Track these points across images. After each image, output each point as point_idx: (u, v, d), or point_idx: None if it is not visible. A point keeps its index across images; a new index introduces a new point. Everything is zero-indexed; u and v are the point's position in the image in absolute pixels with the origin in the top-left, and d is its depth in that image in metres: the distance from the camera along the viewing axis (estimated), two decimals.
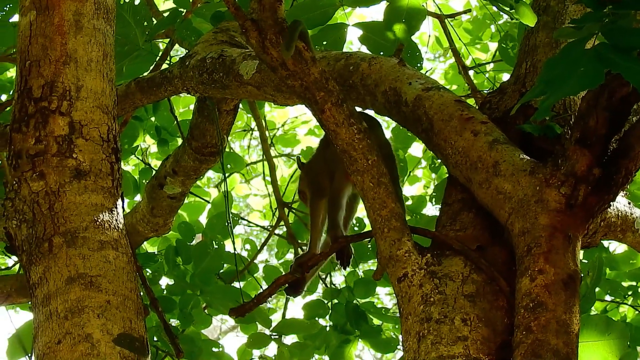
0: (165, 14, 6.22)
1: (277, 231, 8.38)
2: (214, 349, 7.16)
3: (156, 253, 7.34)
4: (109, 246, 3.53)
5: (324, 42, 5.26)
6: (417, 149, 9.20)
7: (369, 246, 7.20)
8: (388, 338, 7.36)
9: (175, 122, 6.94)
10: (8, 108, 5.83)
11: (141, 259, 6.96)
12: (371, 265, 8.24)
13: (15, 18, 6.13)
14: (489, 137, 3.75)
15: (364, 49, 5.31)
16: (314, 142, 9.97)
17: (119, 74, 5.40)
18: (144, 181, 7.54)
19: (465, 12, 8.00)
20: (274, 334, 7.19)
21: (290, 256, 8.51)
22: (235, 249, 6.01)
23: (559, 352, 3.32)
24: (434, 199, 7.33)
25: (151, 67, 5.88)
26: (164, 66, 5.97)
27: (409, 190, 9.97)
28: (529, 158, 3.66)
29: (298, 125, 10.54)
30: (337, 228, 4.23)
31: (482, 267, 3.64)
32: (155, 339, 6.77)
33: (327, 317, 7.38)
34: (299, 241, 7.79)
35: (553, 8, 4.47)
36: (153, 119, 7.53)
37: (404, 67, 4.15)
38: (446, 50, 9.49)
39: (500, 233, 3.72)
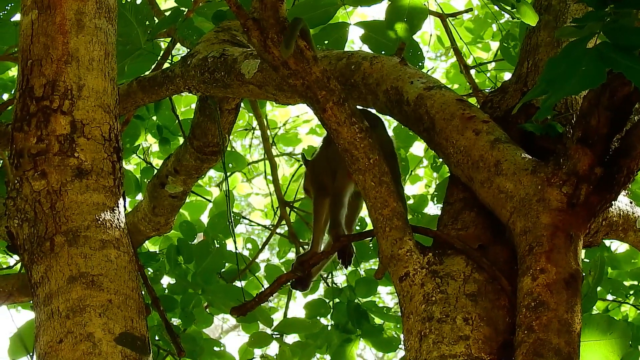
0: (167, 13, 6.22)
1: (278, 230, 8.37)
2: (216, 348, 7.16)
3: (158, 252, 7.34)
4: (111, 245, 3.53)
5: (326, 42, 5.26)
6: (418, 148, 9.20)
7: (371, 245, 7.20)
8: (389, 337, 7.36)
9: (177, 121, 6.94)
10: (10, 107, 5.83)
11: (143, 258, 6.96)
12: (372, 264, 8.23)
13: (17, 17, 6.14)
14: (490, 136, 3.75)
15: (365, 48, 5.32)
16: (316, 141, 9.97)
17: (120, 73, 5.40)
18: (145, 180, 7.53)
19: (466, 11, 8.00)
20: (275, 333, 7.19)
21: (291, 255, 8.51)
22: (236, 248, 6.01)
23: (561, 352, 3.32)
24: (435, 198, 7.33)
25: (153, 67, 5.88)
26: (166, 65, 5.97)
27: (411, 189, 9.97)
28: (530, 157, 3.66)
29: (299, 124, 10.54)
30: (339, 227, 4.23)
31: (484, 266, 3.63)
32: (156, 338, 6.77)
33: (329, 316, 7.38)
34: (300, 240, 7.79)
35: (554, 7, 4.47)
36: (155, 118, 7.53)
37: (405, 66, 4.15)
38: (448, 49, 9.49)
39: (501, 232, 3.72)
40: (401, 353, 8.15)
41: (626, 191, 4.15)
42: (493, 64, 8.42)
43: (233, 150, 9.10)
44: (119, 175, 3.71)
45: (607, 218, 4.03)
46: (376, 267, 6.46)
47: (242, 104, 5.59)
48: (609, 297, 7.37)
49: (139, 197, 7.72)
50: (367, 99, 4.18)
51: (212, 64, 4.62)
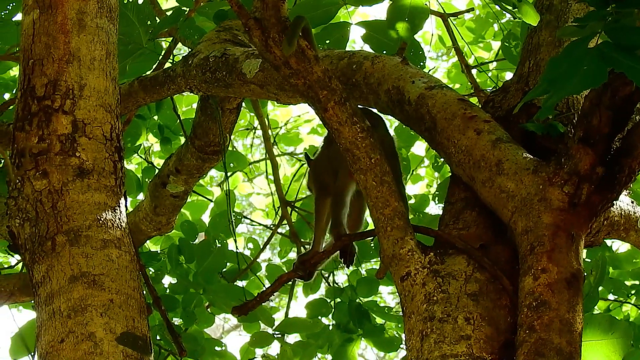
0: (169, 13, 6.22)
1: (279, 230, 8.37)
2: (217, 348, 7.16)
3: (159, 252, 7.35)
4: (112, 245, 3.53)
5: (327, 41, 5.26)
6: (420, 147, 9.20)
7: (372, 245, 7.20)
8: (391, 337, 7.36)
9: (179, 120, 6.94)
10: (11, 107, 5.83)
11: (144, 257, 6.96)
12: (374, 264, 8.23)
13: (18, 17, 6.14)
14: (492, 136, 3.74)
15: (367, 48, 5.32)
16: (317, 141, 9.97)
17: (122, 73, 5.40)
18: (146, 180, 7.54)
19: (468, 10, 8.00)
20: (276, 332, 7.19)
21: (292, 255, 8.51)
22: (237, 248, 6.01)
23: (562, 351, 3.32)
24: (436, 198, 7.33)
25: (154, 66, 5.88)
26: (167, 65, 5.97)
27: (412, 189, 9.97)
28: (532, 157, 3.66)
29: (301, 124, 10.54)
30: (340, 226, 4.22)
31: (485, 266, 3.63)
32: (158, 337, 6.77)
33: (330, 316, 7.39)
34: (302, 240, 7.79)
35: (556, 7, 4.47)
36: (156, 117, 7.53)
37: (407, 66, 4.15)
38: (449, 49, 9.49)
39: (503, 232, 3.72)
40: (402, 353, 8.15)
41: (627, 191, 4.15)
42: (494, 63, 8.41)
43: (234, 150, 9.10)
44: (121, 174, 3.71)
45: (609, 218, 4.03)
46: (377, 267, 6.46)
47: (243, 104, 5.59)
48: (611, 296, 7.37)
49: (141, 196, 7.72)
50: (368, 98, 4.18)
51: (214, 64, 4.62)
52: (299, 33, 3.52)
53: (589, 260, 6.58)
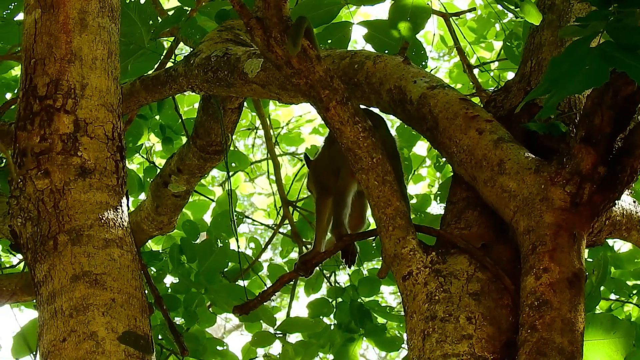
0: (170, 13, 6.22)
1: (281, 230, 8.37)
2: (219, 348, 7.17)
3: (161, 251, 7.35)
4: (114, 244, 3.53)
5: (329, 41, 5.26)
6: (421, 147, 9.20)
7: (374, 245, 7.20)
8: (392, 337, 7.36)
9: (180, 120, 6.94)
10: (13, 106, 5.83)
11: (146, 257, 6.96)
12: (375, 264, 8.23)
13: (20, 16, 6.14)
14: (493, 136, 3.74)
15: (368, 48, 5.31)
16: (319, 140, 9.97)
17: (124, 73, 5.41)
18: (148, 179, 7.54)
19: (469, 10, 8.00)
20: (278, 332, 7.20)
21: (293, 255, 8.51)
22: (239, 247, 6.01)
23: (564, 351, 3.32)
24: (438, 198, 7.33)
25: (156, 66, 5.89)
26: (169, 65, 5.97)
27: (414, 189, 9.97)
28: (534, 156, 3.66)
29: (302, 124, 10.55)
30: (342, 226, 4.22)
31: (487, 266, 3.63)
32: (159, 337, 6.77)
33: (332, 315, 7.38)
34: (304, 240, 7.79)
35: (558, 6, 4.46)
36: (158, 117, 7.54)
37: (408, 66, 4.15)
38: (451, 48, 9.48)
39: (505, 231, 3.72)
40: (404, 352, 8.15)
41: (629, 190, 4.15)
42: (496, 63, 8.41)
43: (236, 149, 9.10)
44: (122, 174, 3.71)
45: (611, 217, 4.02)
46: (379, 267, 6.45)
47: (245, 104, 5.59)
48: (612, 296, 7.36)
49: (142, 196, 7.73)
50: (370, 98, 4.17)
51: (216, 63, 4.62)
52: (303, 34, 3.52)
53: (591, 260, 6.58)
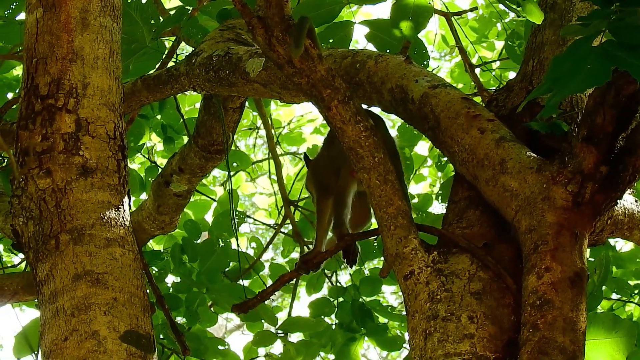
0: (172, 12, 6.22)
1: (282, 229, 8.37)
2: (220, 347, 7.17)
3: (162, 251, 7.35)
4: (116, 243, 3.53)
5: (331, 40, 5.26)
6: (423, 147, 9.20)
7: (375, 244, 7.20)
8: (394, 336, 7.36)
9: (182, 119, 6.94)
10: (14, 106, 5.83)
11: (147, 256, 6.96)
12: (377, 263, 8.23)
13: (21, 16, 6.14)
14: (495, 135, 3.74)
15: (370, 47, 5.31)
16: (320, 140, 9.96)
17: (125, 72, 5.41)
18: (149, 179, 7.54)
19: (471, 9, 7.99)
20: (279, 331, 7.20)
21: (295, 255, 8.51)
22: (239, 247, 6.01)
23: (566, 350, 3.32)
24: (440, 197, 7.33)
25: (157, 65, 5.89)
26: (170, 64, 5.97)
27: (415, 188, 9.98)
28: (535, 155, 3.65)
29: (304, 123, 10.55)
30: (342, 226, 4.22)
31: (489, 265, 3.63)
32: (161, 336, 6.77)
33: (333, 315, 7.38)
34: (305, 239, 7.79)
35: (560, 5, 4.46)
36: (159, 117, 7.54)
37: (410, 65, 4.15)
38: (453, 48, 9.48)
39: (506, 231, 3.72)
40: (405, 352, 8.16)
41: (631, 189, 4.14)
42: (497, 63, 8.41)
43: (237, 149, 9.11)
44: (124, 173, 3.70)
45: (613, 217, 4.02)
46: (380, 266, 6.43)
47: (246, 103, 5.59)
48: (614, 296, 7.36)
49: (143, 196, 7.73)
50: (371, 97, 4.17)
51: (217, 63, 4.62)
52: (305, 34, 3.52)
53: (592, 260, 6.58)
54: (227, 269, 7.15)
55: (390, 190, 3.68)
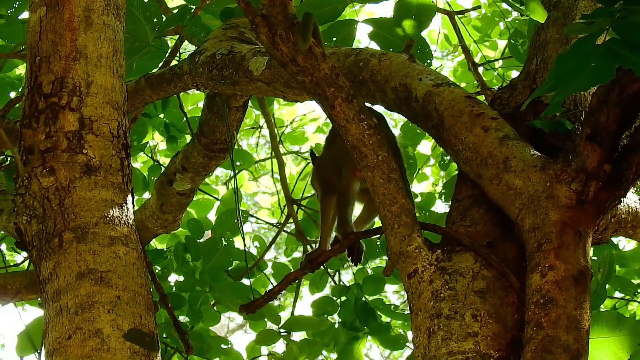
0: (175, 11, 6.22)
1: (285, 228, 8.37)
2: (223, 346, 7.16)
3: (165, 250, 7.35)
4: (119, 242, 3.53)
5: (334, 39, 5.26)
6: (425, 146, 9.20)
7: (378, 243, 7.19)
8: (397, 335, 7.36)
9: (185, 118, 6.94)
10: (17, 104, 5.83)
11: (150, 255, 6.96)
12: (380, 263, 8.23)
13: (24, 15, 6.15)
14: (499, 133, 3.74)
15: (372, 46, 5.31)
16: (322, 139, 9.96)
17: (128, 71, 5.41)
18: (152, 178, 7.54)
19: (474, 8, 7.99)
20: (282, 330, 7.19)
21: (297, 255, 8.51)
22: (245, 245, 6.01)
23: (570, 348, 3.32)
24: (443, 196, 7.33)
25: (160, 64, 5.89)
26: (173, 63, 5.97)
27: (418, 187, 9.97)
28: (539, 154, 3.65)
29: (306, 122, 10.54)
30: (347, 224, 4.22)
31: (493, 263, 3.63)
32: (164, 335, 6.77)
33: (336, 314, 7.38)
34: (308, 238, 7.79)
35: (563, 4, 4.46)
36: (162, 115, 7.54)
37: (414, 63, 4.14)
38: (455, 46, 9.47)
39: (510, 229, 3.72)
40: (408, 351, 8.15)
41: (635, 188, 4.15)
42: (500, 62, 8.41)
43: (239, 148, 9.10)
44: (128, 172, 3.70)
45: (616, 215, 4.02)
46: (383, 265, 6.43)
47: (249, 103, 5.59)
48: (617, 294, 7.35)
49: (146, 195, 7.72)
50: (375, 95, 4.17)
51: (220, 61, 4.62)
52: (312, 28, 3.52)
53: (595, 258, 6.57)
54: (230, 268, 7.14)
55: (394, 188, 3.68)
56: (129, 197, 3.67)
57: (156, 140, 8.38)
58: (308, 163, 8.55)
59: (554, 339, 3.32)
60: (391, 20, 5.12)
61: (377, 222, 5.85)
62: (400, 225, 3.68)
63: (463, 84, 9.03)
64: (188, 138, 7.33)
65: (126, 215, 3.61)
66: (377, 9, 11.74)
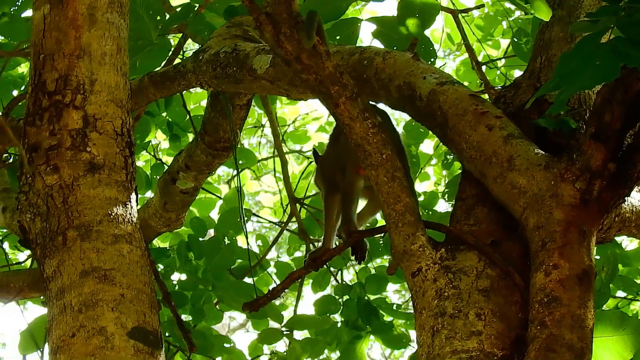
0: (178, 9, 6.22)
1: (288, 227, 8.37)
2: (226, 345, 7.17)
3: (168, 248, 7.35)
4: (123, 240, 3.53)
5: (337, 37, 5.26)
6: (428, 146, 9.19)
7: (381, 242, 7.19)
8: (399, 334, 7.35)
9: (188, 117, 6.94)
10: (21, 102, 5.83)
11: (153, 254, 6.95)
12: (382, 262, 8.23)
13: (27, 13, 6.15)
14: (503, 132, 3.74)
15: (375, 44, 5.31)
16: (325, 138, 9.96)
17: (131, 69, 5.39)
18: (155, 177, 7.54)
19: (478, 7, 7.98)
20: (285, 329, 7.19)
21: (298, 254, 8.50)
22: (248, 244, 6.01)
23: (574, 347, 3.32)
24: (446, 195, 7.32)
25: (163, 63, 5.88)
26: (177, 61, 5.97)
27: (420, 187, 9.96)
28: (543, 153, 3.65)
29: (309, 121, 10.54)
30: (351, 223, 4.22)
31: (497, 262, 3.63)
32: (166, 334, 6.77)
33: (339, 313, 7.38)
34: (311, 237, 7.78)
35: (568, 2, 4.45)
36: (165, 114, 7.54)
37: (418, 62, 4.14)
38: (459, 45, 9.47)
39: (514, 228, 3.71)
40: (408, 352, 8.15)
41: (639, 187, 4.14)
42: (502, 61, 8.40)
43: (242, 147, 9.10)
44: (131, 170, 3.70)
45: (620, 214, 4.02)
46: (386, 264, 6.42)
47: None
48: (621, 294, 7.34)
49: (149, 194, 7.73)
50: (379, 94, 4.17)
51: (224, 59, 4.62)
52: (316, 26, 3.52)
53: (598, 257, 6.57)
54: (232, 267, 7.14)
55: (398, 187, 3.68)
56: (133, 195, 3.67)
57: (158, 139, 8.39)
58: (310, 162, 8.54)
59: (558, 338, 3.31)
60: (395, 18, 5.12)
61: (380, 221, 5.85)
62: (404, 224, 3.67)
63: (465, 84, 9.00)
64: (190, 137, 7.33)
65: (130, 214, 3.61)
66: (380, 7, 11.73)
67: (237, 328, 15.69)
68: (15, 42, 6.45)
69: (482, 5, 8.14)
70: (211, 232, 7.58)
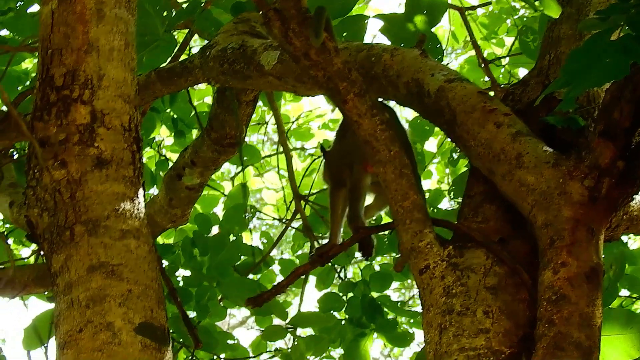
0: (185, 5, 6.21)
1: (293, 224, 8.35)
2: (230, 341, 7.17)
3: (173, 244, 7.35)
4: (131, 235, 3.52)
5: (345, 34, 5.25)
6: (431, 144, 9.17)
7: (386, 240, 7.18)
8: (404, 332, 7.35)
9: (194, 112, 6.94)
10: (28, 97, 5.83)
11: (158, 250, 6.94)
12: (384, 259, 8.22)
13: (33, 8, 6.15)
14: (511, 129, 3.73)
15: (382, 41, 5.31)
16: (328, 135, 9.97)
17: (138, 65, 5.40)
18: (160, 173, 7.54)
19: (484, 4, 7.98)
20: (289, 326, 7.19)
21: (300, 253, 8.49)
22: (252, 240, 6.01)
23: (581, 345, 3.32)
24: (452, 193, 7.31)
25: (169, 58, 5.88)
26: (183, 57, 5.97)
27: (423, 185, 9.93)
28: (552, 150, 3.64)
29: (312, 119, 10.53)
30: (358, 219, 4.21)
31: (504, 260, 3.62)
32: (171, 330, 6.77)
33: (343, 310, 7.37)
34: (315, 234, 7.78)
35: (577, 0, 4.45)
36: (168, 110, 7.53)
37: (426, 59, 4.13)
38: (466, 43, 9.46)
39: (522, 225, 3.71)
40: (408, 351, 8.15)
41: None
42: (507, 59, 8.39)
43: (246, 143, 9.09)
44: (139, 165, 3.70)
45: (628, 212, 4.01)
46: (390, 262, 6.41)
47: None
48: (626, 292, 7.33)
49: (153, 190, 7.72)
50: (387, 90, 4.16)
51: (232, 55, 4.61)
52: (324, 23, 3.51)
53: (604, 256, 6.55)
54: (237, 263, 7.14)
55: (406, 184, 3.67)
56: (140, 191, 3.67)
57: (162, 135, 8.38)
58: (314, 159, 8.53)
59: (566, 336, 3.31)
60: (402, 15, 5.11)
61: (385, 218, 5.85)
62: (412, 221, 3.67)
63: None
64: (195, 133, 7.32)
65: (137, 209, 3.61)
66: (383, 6, 11.73)
67: (236, 325, 15.69)
68: (21, 37, 6.44)
69: (489, 3, 8.14)
70: (216, 229, 7.57)
